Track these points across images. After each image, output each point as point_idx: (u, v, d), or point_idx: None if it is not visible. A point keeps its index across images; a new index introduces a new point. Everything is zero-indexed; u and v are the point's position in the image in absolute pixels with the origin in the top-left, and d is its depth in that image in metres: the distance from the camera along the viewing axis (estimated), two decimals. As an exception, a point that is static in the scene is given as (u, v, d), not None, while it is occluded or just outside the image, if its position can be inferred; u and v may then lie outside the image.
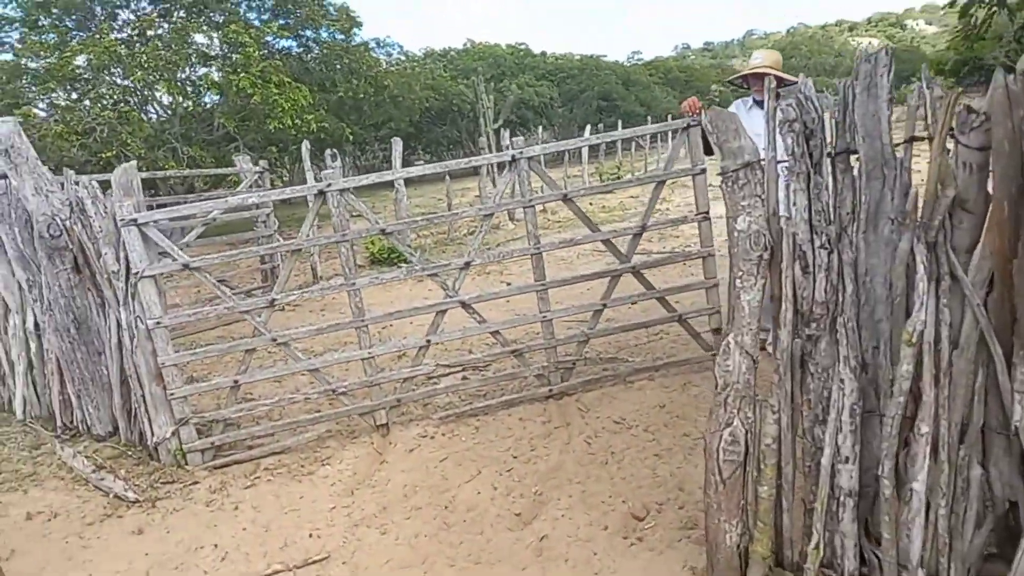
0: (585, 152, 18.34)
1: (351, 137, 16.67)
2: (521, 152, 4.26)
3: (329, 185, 4.10)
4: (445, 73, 32.36)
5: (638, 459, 3.73)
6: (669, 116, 34.61)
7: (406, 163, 36.19)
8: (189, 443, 4.19)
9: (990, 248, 2.02)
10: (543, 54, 41.88)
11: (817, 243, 2.30)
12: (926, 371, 2.13)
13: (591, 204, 15.24)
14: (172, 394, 4.13)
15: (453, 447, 4.12)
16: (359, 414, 4.36)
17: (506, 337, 4.61)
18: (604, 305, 4.56)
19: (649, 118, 30.65)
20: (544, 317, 4.48)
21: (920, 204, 2.15)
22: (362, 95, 17.07)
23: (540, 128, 20.08)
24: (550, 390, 4.54)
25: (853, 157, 2.27)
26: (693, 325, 4.70)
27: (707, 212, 4.50)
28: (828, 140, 2.35)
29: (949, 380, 2.12)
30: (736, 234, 2.47)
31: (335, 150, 9.27)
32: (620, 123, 25.36)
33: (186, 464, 4.18)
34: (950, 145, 2.06)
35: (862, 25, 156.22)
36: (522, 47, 41.44)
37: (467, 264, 4.35)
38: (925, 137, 2.11)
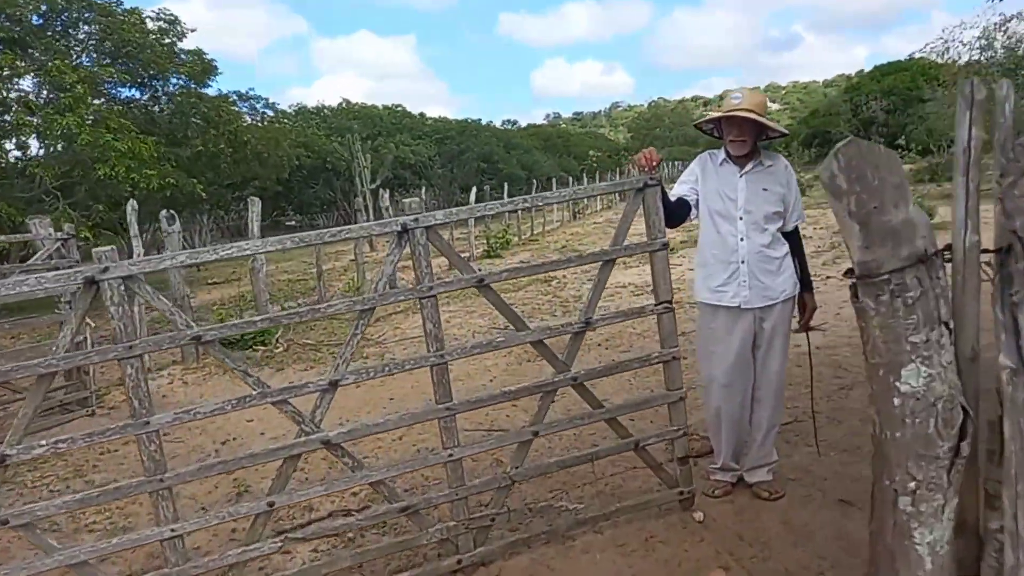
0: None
1: (203, 195, 14.63)
2: (416, 221, 2.91)
3: (106, 270, 2.54)
4: (319, 131, 30.68)
5: None
6: (554, 181, 34.63)
7: (276, 224, 33.91)
8: None
9: None
10: (421, 115, 41.16)
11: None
12: None
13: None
14: None
15: None
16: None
17: (393, 488, 3.13)
18: (535, 433, 3.21)
19: (534, 181, 30.27)
20: (451, 455, 3.05)
21: None
22: (218, 149, 15.12)
23: (423, 190, 18.85)
24: (459, 561, 3.09)
25: None
26: (653, 453, 3.44)
27: (669, 301, 3.30)
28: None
29: None
30: (898, 401, 1.21)
31: (171, 211, 7.50)
32: (506, 186, 24.61)
33: None
34: None
35: (715, 100, 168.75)
36: (399, 108, 40.56)
37: (333, 384, 2.88)
38: None
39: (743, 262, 3.39)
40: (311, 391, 2.88)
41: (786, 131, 3.48)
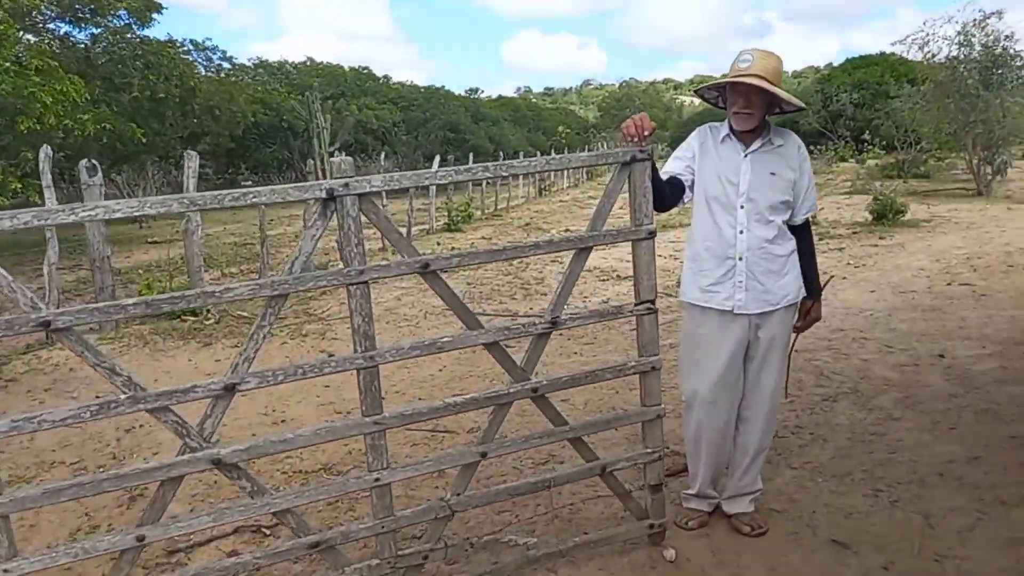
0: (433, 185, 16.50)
1: (143, 142, 13.51)
2: (347, 186, 2.29)
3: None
4: (280, 87, 29.31)
5: None
6: (521, 155, 33.86)
7: (230, 183, 32.30)
8: None
9: None
10: (386, 78, 39.83)
11: None
12: None
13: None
14: None
15: None
16: None
17: (303, 519, 2.54)
18: (483, 455, 2.64)
19: (501, 154, 29.50)
20: (377, 480, 2.47)
21: None
22: (162, 96, 13.99)
23: (382, 155, 18.00)
24: (383, 605, 2.53)
25: None
26: (620, 479, 2.91)
27: (652, 301, 2.75)
28: None
29: None
30: None
31: (93, 162, 6.65)
32: (472, 157, 23.84)
33: None
34: None
35: (685, 85, 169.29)
36: (364, 69, 39.18)
37: (229, 389, 2.27)
38: None
39: (741, 259, 2.86)
40: (200, 396, 2.26)
41: (802, 104, 2.93)
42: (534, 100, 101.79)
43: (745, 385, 3.01)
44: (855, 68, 38.73)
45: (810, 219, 3.05)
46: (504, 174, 2.57)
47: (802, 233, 2.99)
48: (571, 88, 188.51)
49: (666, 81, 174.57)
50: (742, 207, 2.85)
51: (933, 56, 15.76)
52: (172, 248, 13.91)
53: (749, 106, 2.77)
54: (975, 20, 14.99)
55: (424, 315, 7.47)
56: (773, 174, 2.86)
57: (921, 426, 3.91)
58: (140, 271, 11.15)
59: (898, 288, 7.25)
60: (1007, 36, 15.01)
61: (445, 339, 2.56)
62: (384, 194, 10.90)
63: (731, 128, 2.88)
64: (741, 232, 2.86)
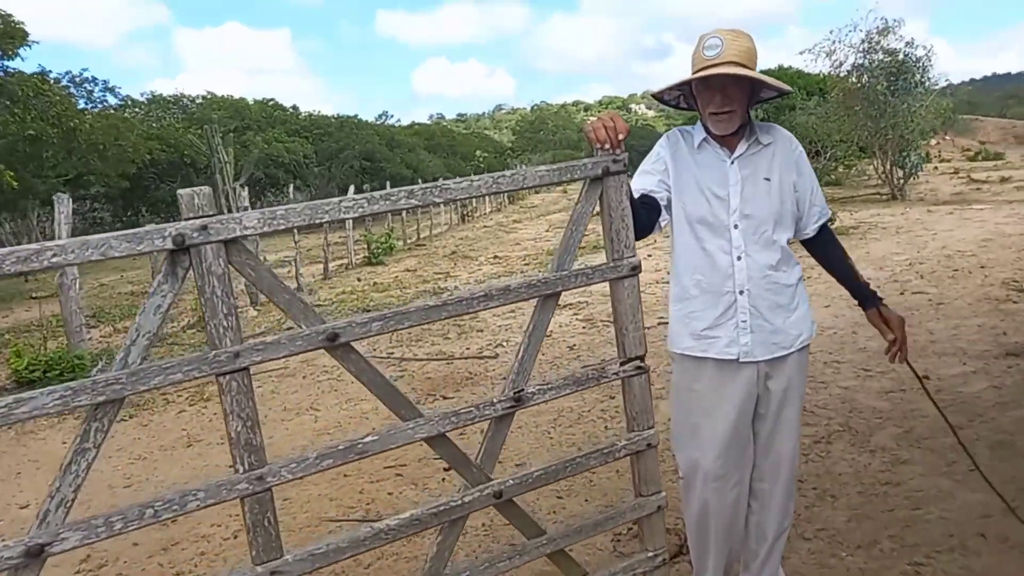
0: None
1: (16, 188, 12.00)
2: (204, 229, 1.53)
3: None
4: (176, 123, 27.62)
5: None
6: (441, 180, 33.11)
7: (129, 226, 30.01)
8: None
9: None
10: (295, 108, 38.43)
11: None
12: None
13: (410, 272, 12.42)
14: None
15: None
16: None
17: None
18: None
19: (420, 181, 28.69)
20: (279, 654, 1.68)
21: None
22: (36, 135, 12.48)
23: (291, 188, 16.92)
24: None
25: None
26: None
27: (641, 357, 2.08)
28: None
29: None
30: None
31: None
32: (389, 185, 22.92)
33: None
34: None
35: (595, 107, 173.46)
36: (271, 101, 37.74)
37: (35, 553, 1.44)
38: None
39: (742, 292, 2.23)
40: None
41: (788, 87, 2.33)
42: (447, 126, 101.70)
43: (756, 451, 2.37)
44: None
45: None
46: (438, 200, 1.83)
47: (824, 241, 2.40)
48: (484, 113, 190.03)
49: (576, 103, 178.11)
50: (736, 227, 2.22)
51: (840, 64, 16.05)
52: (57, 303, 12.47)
53: (728, 103, 2.14)
54: (878, 28, 15.34)
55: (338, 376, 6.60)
56: (768, 180, 2.24)
57: (936, 469, 3.37)
58: (15, 332, 9.79)
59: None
60: (908, 43, 15.43)
61: (368, 439, 1.79)
62: (258, 243, 9.52)
63: (708, 132, 2.25)
64: (739, 258, 2.22)
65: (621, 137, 1.95)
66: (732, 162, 2.23)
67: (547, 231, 18.01)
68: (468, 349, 6.71)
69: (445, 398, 5.27)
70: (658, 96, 2.34)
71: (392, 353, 6.77)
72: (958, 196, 15.56)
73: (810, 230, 2.35)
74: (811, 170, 2.37)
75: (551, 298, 1.98)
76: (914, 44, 15.28)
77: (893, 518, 3.00)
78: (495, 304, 1.92)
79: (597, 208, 2.01)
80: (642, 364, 2.10)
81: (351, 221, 14.43)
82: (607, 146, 1.95)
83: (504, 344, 6.70)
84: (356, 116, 44.09)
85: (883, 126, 15.14)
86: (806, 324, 2.33)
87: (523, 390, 1.94)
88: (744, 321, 2.23)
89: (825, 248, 2.40)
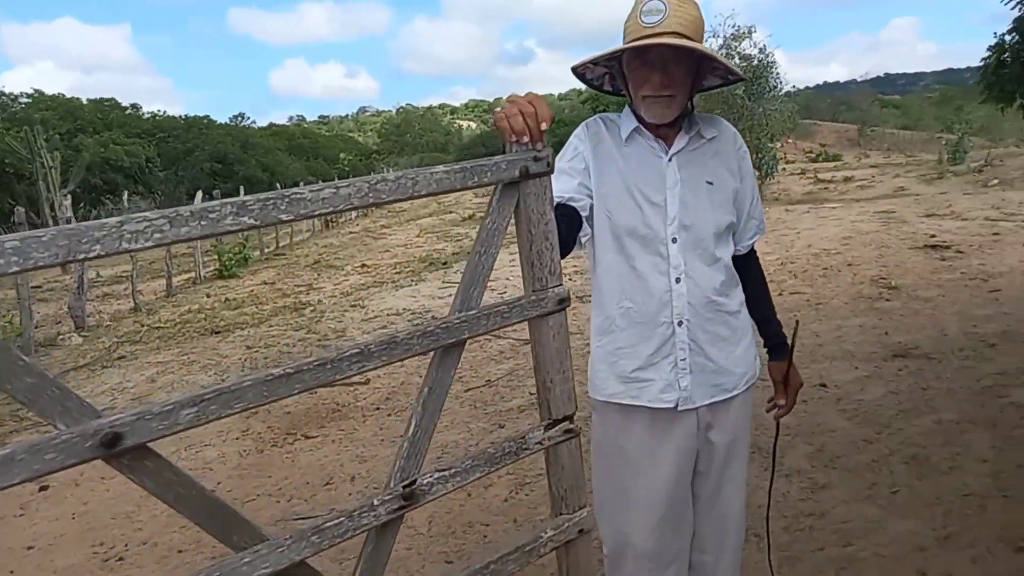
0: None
1: None
2: None
3: None
4: (-7, 124, 24.44)
5: None
6: (301, 183, 31.42)
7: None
8: None
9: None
10: (135, 108, 35.29)
11: None
12: None
13: (279, 284, 11.23)
14: None
15: None
16: None
17: None
18: None
19: (278, 184, 27.06)
20: None
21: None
22: None
23: (125, 195, 15.24)
24: None
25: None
26: None
27: (570, 417, 1.58)
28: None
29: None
30: None
31: None
32: (243, 189, 21.34)
33: None
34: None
35: (461, 109, 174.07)
36: (108, 100, 34.45)
37: None
38: None
39: (680, 323, 1.79)
40: None
41: (742, 74, 1.92)
42: (309, 128, 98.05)
43: (696, 516, 1.94)
44: (618, 88, 41.19)
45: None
46: (285, 217, 1.23)
47: (750, 268, 1.99)
48: (347, 115, 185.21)
49: (442, 106, 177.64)
50: (675, 240, 1.78)
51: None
52: None
53: (669, 83, 1.69)
54: (733, 34, 15.92)
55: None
56: (711, 184, 1.82)
57: (858, 494, 3.12)
58: None
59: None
60: (761, 49, 16.13)
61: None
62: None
63: (640, 120, 1.80)
64: (677, 280, 1.78)
65: (544, 127, 1.42)
66: (670, 159, 1.78)
67: (418, 236, 17.33)
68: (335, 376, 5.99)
69: (308, 437, 4.56)
70: (579, 72, 1.85)
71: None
72: (809, 195, 16.44)
73: (742, 247, 1.94)
74: (753, 175, 1.96)
75: (453, 349, 1.43)
76: (766, 51, 16.00)
77: (826, 559, 2.69)
78: (373, 366, 1.34)
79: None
80: (572, 426, 1.60)
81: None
82: (525, 139, 1.41)
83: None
84: (208, 117, 41.42)
85: (741, 129, 15.69)
86: (751, 359, 1.92)
87: (415, 482, 1.38)
88: (683, 359, 1.80)
89: (750, 273, 1.97)
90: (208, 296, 11.24)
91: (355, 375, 1.34)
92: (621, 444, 1.86)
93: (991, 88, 8.59)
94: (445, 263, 11.80)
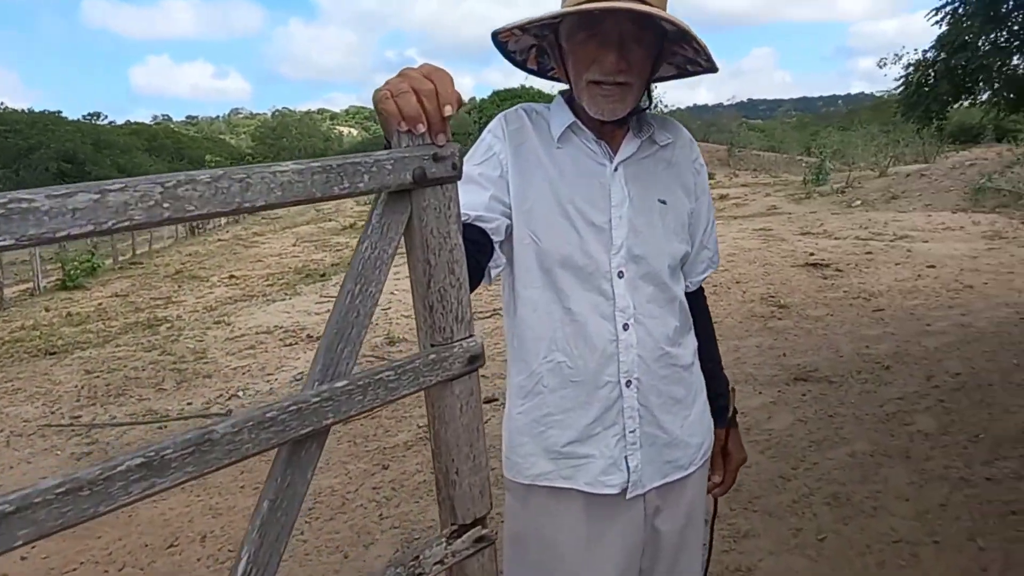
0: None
1: None
2: None
3: None
4: None
5: None
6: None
7: None
8: None
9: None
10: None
11: None
12: None
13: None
14: None
15: None
16: None
17: None
18: None
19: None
20: None
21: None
22: None
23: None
24: None
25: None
26: None
27: (484, 520, 1.10)
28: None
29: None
30: None
31: None
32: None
33: None
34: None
35: (341, 115, 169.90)
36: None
37: None
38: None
39: (629, 383, 1.36)
40: None
41: (715, 63, 1.50)
42: (174, 128, 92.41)
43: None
44: (503, 100, 41.56)
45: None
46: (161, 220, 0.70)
47: (698, 311, 1.57)
48: (218, 116, 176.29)
49: (321, 111, 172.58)
50: (620, 275, 1.35)
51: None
52: None
53: (626, 67, 1.25)
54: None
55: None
56: (664, 202, 1.40)
57: (785, 543, 2.83)
58: None
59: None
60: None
61: None
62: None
63: (578, 114, 1.36)
64: (625, 327, 1.35)
65: (448, 111, 0.91)
66: (616, 167, 1.35)
67: (294, 245, 16.32)
68: (190, 404, 5.21)
69: (153, 488, 3.82)
70: (500, 42, 1.38)
71: (78, 417, 5.04)
72: (688, 212, 16.81)
73: (692, 283, 1.53)
74: (710, 195, 1.55)
75: (311, 440, 0.92)
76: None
77: (762, 627, 2.36)
78: (167, 484, 0.81)
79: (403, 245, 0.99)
80: (485, 531, 1.12)
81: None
82: (420, 128, 0.90)
83: (241, 394, 5.32)
84: (59, 112, 37.92)
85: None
86: (707, 426, 1.53)
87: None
88: (632, 431, 1.37)
89: (700, 318, 1.55)
90: (47, 310, 9.90)
91: (132, 502, 0.81)
92: (548, 539, 1.42)
93: (913, 108, 8.41)
94: (323, 275, 11.02)
